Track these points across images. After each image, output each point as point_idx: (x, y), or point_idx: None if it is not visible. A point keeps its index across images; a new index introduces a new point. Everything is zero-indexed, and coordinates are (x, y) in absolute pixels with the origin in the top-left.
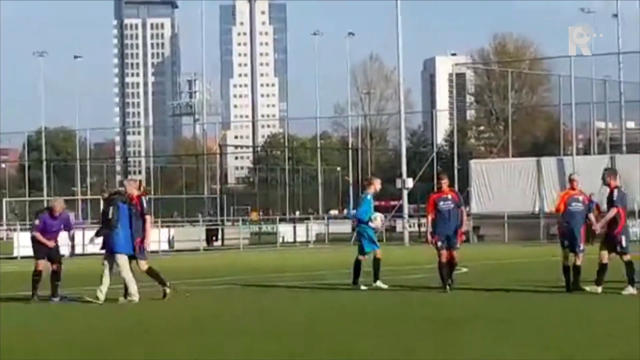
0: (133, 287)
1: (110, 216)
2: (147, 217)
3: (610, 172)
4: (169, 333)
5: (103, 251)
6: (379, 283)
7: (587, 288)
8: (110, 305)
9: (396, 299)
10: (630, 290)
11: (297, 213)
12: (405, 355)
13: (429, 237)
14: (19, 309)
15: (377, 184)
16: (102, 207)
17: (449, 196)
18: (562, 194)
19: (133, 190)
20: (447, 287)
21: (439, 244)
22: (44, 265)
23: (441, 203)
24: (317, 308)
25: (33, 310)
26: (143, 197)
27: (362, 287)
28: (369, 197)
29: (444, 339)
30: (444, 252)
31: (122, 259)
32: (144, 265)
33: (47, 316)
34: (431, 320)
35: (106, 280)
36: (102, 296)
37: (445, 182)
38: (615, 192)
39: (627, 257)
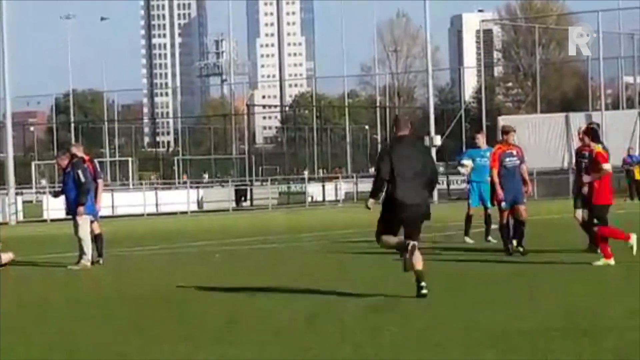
0: (89, 250)
1: (83, 179)
2: (100, 180)
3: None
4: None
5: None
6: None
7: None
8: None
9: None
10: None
11: (322, 172)
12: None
13: (500, 194)
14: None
15: (477, 140)
16: (63, 171)
17: (514, 152)
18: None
19: (83, 154)
20: (511, 248)
21: (503, 204)
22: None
23: (507, 159)
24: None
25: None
26: (95, 161)
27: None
28: (471, 151)
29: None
30: (506, 213)
31: (87, 220)
32: (97, 228)
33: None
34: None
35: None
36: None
37: (512, 136)
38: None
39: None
